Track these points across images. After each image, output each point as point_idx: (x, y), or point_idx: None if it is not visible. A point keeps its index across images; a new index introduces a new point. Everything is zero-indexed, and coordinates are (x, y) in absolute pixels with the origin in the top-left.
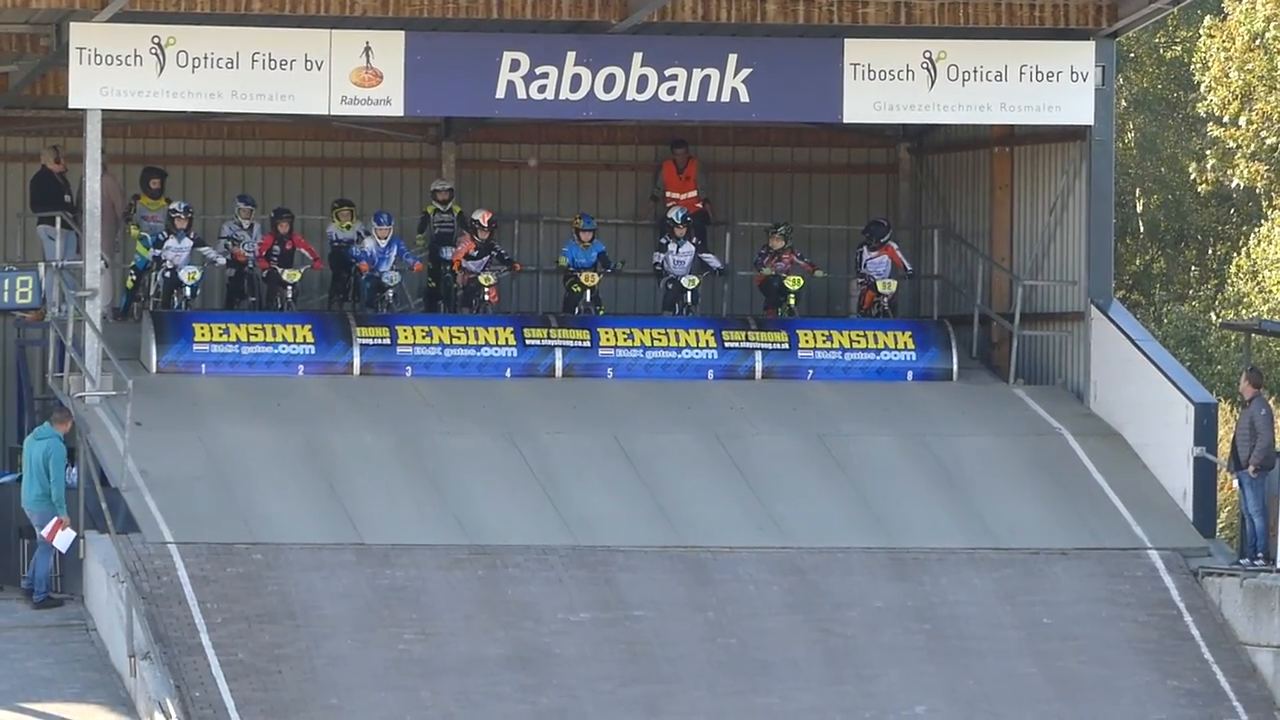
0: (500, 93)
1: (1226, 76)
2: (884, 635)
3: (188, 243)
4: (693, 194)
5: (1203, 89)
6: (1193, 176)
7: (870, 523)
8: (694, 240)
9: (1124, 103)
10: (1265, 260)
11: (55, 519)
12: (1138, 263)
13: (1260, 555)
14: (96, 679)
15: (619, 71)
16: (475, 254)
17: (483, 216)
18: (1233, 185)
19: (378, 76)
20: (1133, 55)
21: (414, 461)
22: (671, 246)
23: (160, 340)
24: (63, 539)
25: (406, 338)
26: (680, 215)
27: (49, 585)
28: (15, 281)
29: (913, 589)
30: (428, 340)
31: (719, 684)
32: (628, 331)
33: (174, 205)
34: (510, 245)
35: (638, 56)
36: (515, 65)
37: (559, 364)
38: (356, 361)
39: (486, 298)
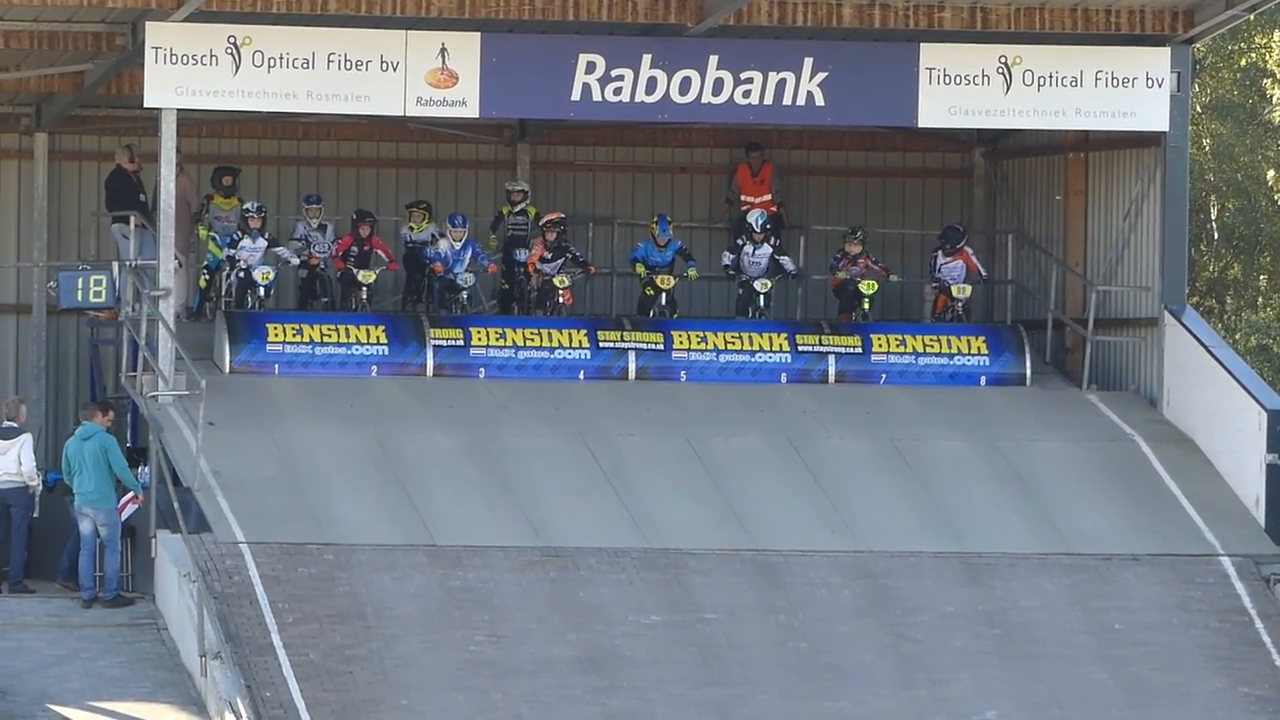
0: (576, 95)
1: None
2: (955, 640)
3: (262, 243)
4: (767, 197)
5: (1274, 100)
6: (1270, 184)
7: (942, 527)
8: (772, 242)
9: (1199, 109)
10: None
11: (131, 494)
12: (1212, 269)
13: None
14: (167, 678)
15: (694, 74)
16: (549, 256)
17: (549, 218)
18: None
19: (453, 78)
20: (1209, 61)
21: (486, 463)
22: (748, 248)
23: (234, 340)
24: (129, 510)
25: (480, 339)
26: (759, 220)
27: (119, 584)
28: (89, 280)
29: (984, 594)
30: (501, 342)
31: (790, 687)
32: (701, 334)
33: (248, 205)
34: (585, 247)
35: (713, 59)
36: (591, 67)
37: (632, 367)
38: (430, 363)
39: (560, 300)
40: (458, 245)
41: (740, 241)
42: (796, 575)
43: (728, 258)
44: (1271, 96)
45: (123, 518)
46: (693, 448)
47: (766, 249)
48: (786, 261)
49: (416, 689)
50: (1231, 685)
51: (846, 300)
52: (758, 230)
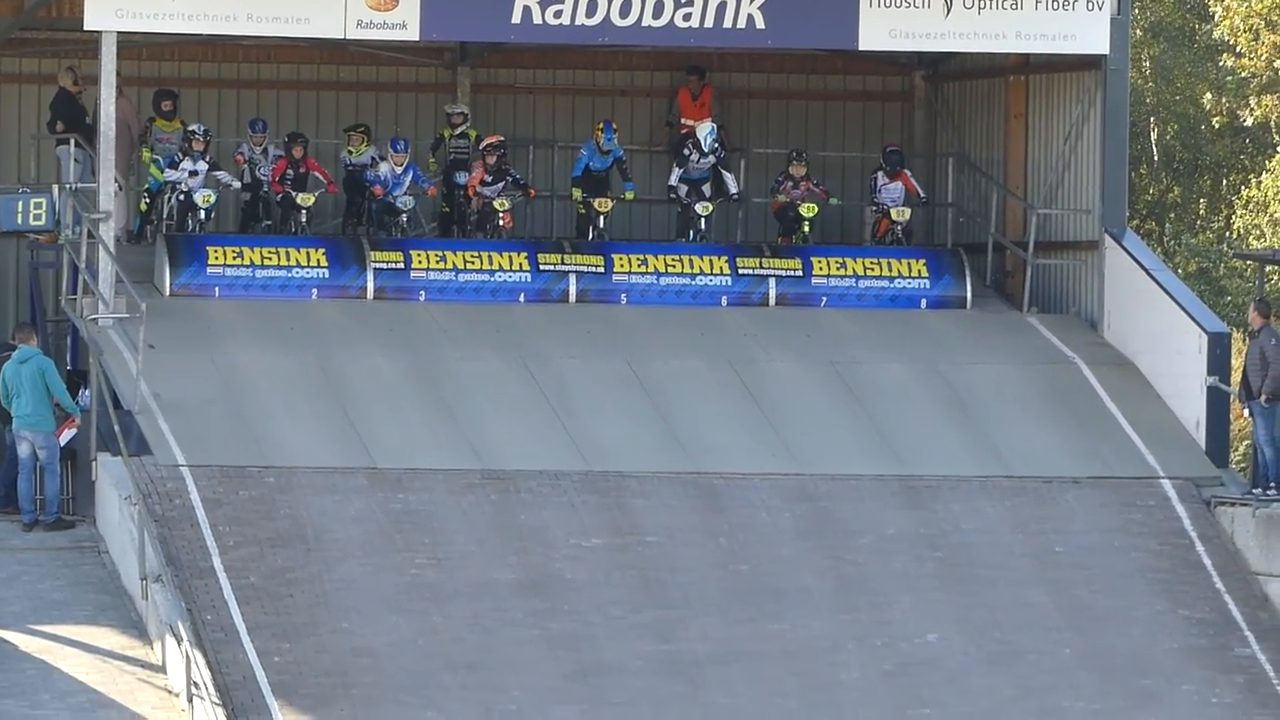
0: (516, 18)
1: (1238, 5)
2: (896, 563)
3: (203, 166)
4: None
5: (1215, 18)
6: (1208, 108)
7: (883, 450)
8: (717, 153)
9: (1139, 32)
10: (1276, 192)
11: (69, 418)
12: (1152, 192)
13: (1272, 485)
14: (108, 601)
15: None
16: (490, 179)
17: (489, 141)
18: (1245, 123)
19: (393, 0)
20: None
21: (427, 386)
22: (694, 156)
23: (174, 263)
24: (66, 435)
25: (420, 262)
26: (710, 136)
27: (60, 507)
28: (29, 203)
29: (925, 517)
30: (441, 265)
31: (730, 610)
32: (642, 257)
33: (192, 128)
34: (525, 170)
35: None
36: None
37: (573, 289)
38: (370, 285)
39: (501, 223)
40: (399, 169)
41: (687, 151)
42: (737, 498)
43: (675, 174)
44: (1214, 14)
45: (61, 443)
46: (633, 370)
47: (711, 158)
48: (730, 180)
49: (357, 612)
50: (1172, 608)
51: (787, 223)
52: (706, 148)
